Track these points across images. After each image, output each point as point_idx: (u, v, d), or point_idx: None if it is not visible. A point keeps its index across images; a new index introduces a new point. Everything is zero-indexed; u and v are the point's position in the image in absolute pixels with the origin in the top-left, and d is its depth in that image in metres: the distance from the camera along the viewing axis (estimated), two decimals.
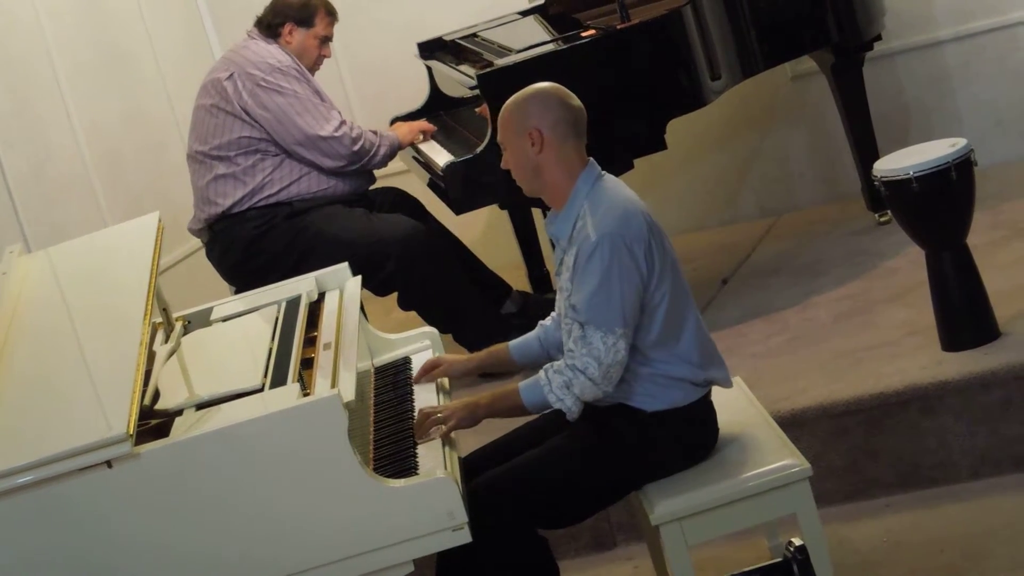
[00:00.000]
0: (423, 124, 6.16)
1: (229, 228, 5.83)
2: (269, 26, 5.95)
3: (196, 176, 5.92)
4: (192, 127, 5.95)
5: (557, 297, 4.00)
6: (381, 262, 5.65)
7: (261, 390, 3.64)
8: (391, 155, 5.98)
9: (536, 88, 3.90)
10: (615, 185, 3.88)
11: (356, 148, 5.81)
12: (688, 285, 3.92)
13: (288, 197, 5.80)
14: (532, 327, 4.16)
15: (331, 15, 6.00)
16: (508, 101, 3.90)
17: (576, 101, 3.87)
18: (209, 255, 5.98)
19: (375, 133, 5.92)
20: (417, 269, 5.69)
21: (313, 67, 5.99)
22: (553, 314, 4.08)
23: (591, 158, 3.89)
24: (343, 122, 5.82)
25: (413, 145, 6.09)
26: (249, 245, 5.79)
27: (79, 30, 6.44)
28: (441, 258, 5.81)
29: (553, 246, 3.97)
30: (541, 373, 3.83)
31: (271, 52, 5.86)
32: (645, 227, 3.79)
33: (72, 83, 6.27)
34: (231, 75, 5.82)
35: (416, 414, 3.90)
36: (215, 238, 5.90)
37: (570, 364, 3.77)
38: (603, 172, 3.89)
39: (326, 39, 6.00)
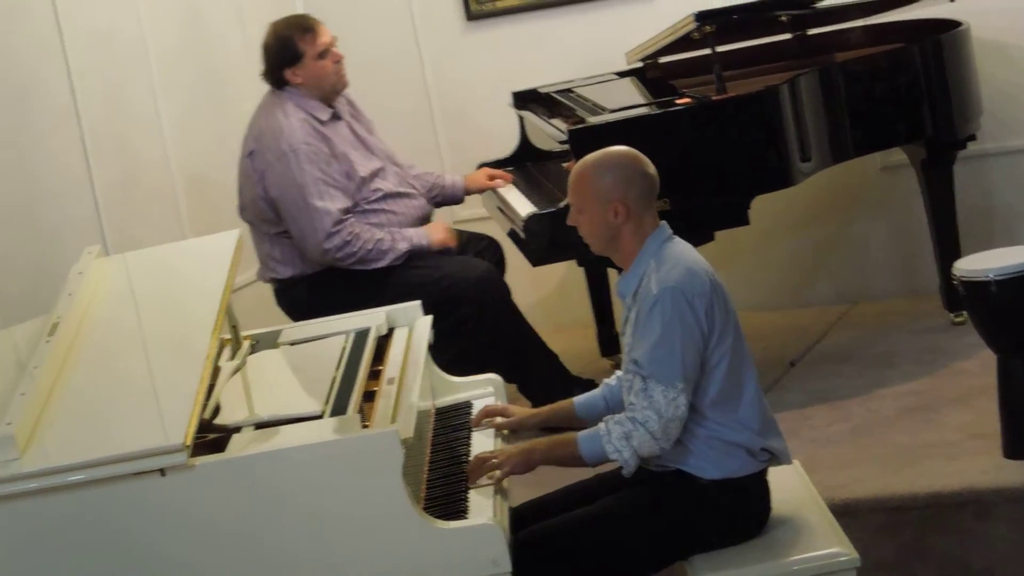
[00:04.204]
0: (446, 230, 5.87)
1: (292, 287, 5.79)
2: (275, 80, 5.79)
3: (252, 237, 5.84)
4: (239, 187, 5.83)
5: (623, 356, 4.00)
6: (456, 304, 5.55)
7: (320, 417, 3.66)
8: (403, 257, 5.69)
9: (615, 156, 3.88)
10: (683, 246, 3.90)
11: (338, 256, 5.60)
12: (750, 351, 3.91)
13: None
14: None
15: (309, 30, 5.73)
16: (584, 165, 3.88)
17: (652, 168, 3.88)
18: (279, 304, 5.91)
19: (390, 237, 5.66)
20: (490, 312, 5.62)
21: (336, 83, 5.78)
22: (618, 372, 4.07)
23: (663, 221, 3.91)
24: (337, 227, 5.58)
25: (496, 192, 6.07)
26: (316, 302, 5.62)
27: (181, 47, 6.47)
28: (514, 305, 5.75)
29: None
30: (601, 424, 3.82)
31: (282, 127, 5.65)
32: (708, 284, 3.80)
33: (168, 98, 6.30)
34: (251, 152, 5.70)
35: (471, 458, 3.91)
36: (281, 294, 5.86)
37: (630, 416, 3.76)
38: (673, 235, 3.90)
39: (324, 51, 5.73)
